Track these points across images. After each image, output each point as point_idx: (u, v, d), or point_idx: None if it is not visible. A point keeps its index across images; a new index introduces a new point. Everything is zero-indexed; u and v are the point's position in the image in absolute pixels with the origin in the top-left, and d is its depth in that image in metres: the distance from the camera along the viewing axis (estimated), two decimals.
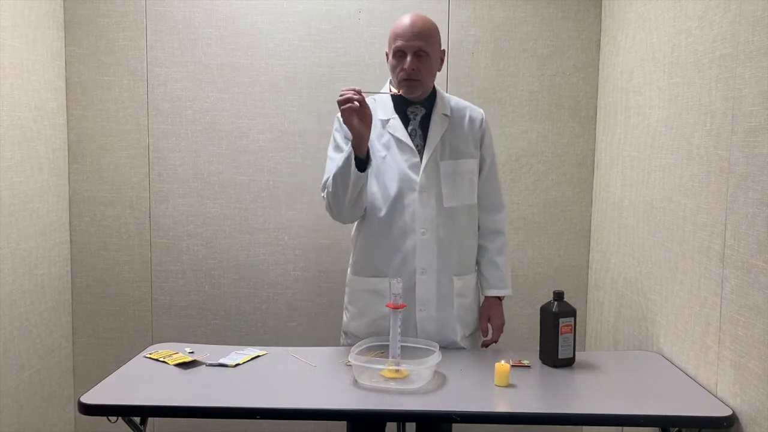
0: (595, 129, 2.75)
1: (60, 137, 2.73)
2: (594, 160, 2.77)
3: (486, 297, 2.13)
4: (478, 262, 2.14)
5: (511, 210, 2.77)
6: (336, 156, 1.99)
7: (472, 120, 2.06)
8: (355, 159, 1.86)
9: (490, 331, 2.14)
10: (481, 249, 2.13)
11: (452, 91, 2.69)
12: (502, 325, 2.14)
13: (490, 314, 2.13)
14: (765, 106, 1.49)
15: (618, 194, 2.47)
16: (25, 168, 2.48)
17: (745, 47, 1.58)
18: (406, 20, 1.94)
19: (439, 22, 2.67)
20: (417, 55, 1.92)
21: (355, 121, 1.82)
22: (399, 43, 1.92)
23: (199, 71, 2.74)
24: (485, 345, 2.16)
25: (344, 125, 1.93)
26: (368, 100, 2.01)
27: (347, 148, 1.90)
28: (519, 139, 2.75)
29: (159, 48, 2.73)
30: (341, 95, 1.82)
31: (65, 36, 2.74)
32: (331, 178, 1.93)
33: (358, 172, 1.87)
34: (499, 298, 2.14)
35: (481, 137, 2.07)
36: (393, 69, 1.97)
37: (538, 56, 2.72)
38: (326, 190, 1.97)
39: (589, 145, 2.76)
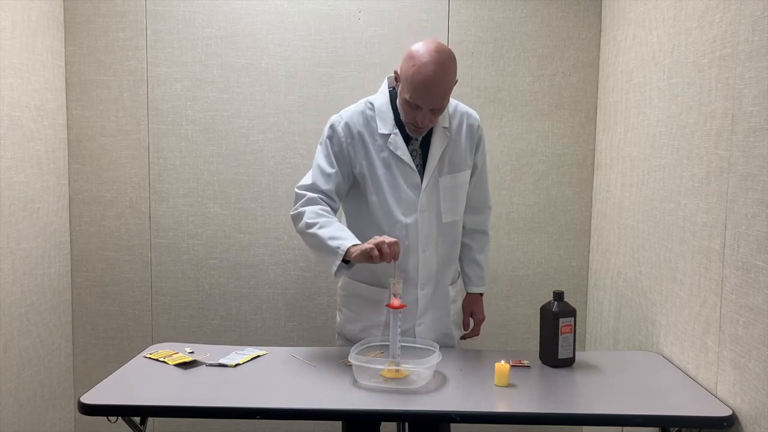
0: (595, 129, 2.75)
1: (60, 137, 2.73)
2: (594, 160, 2.77)
3: (468, 293, 2.20)
4: (460, 260, 2.16)
5: (511, 210, 2.78)
6: (325, 166, 1.95)
7: (470, 128, 2.03)
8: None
9: (471, 324, 2.22)
10: (464, 247, 2.15)
11: (453, 91, 2.68)
12: (483, 320, 2.22)
13: (472, 310, 2.21)
14: (765, 106, 1.49)
15: (618, 194, 2.47)
16: (25, 168, 2.48)
17: (745, 47, 1.58)
18: (427, 76, 1.78)
19: (439, 22, 2.69)
20: (432, 110, 1.85)
21: (363, 259, 1.75)
22: (416, 101, 1.82)
23: (199, 71, 2.74)
24: (464, 338, 2.21)
25: (341, 136, 1.93)
26: (366, 109, 1.98)
27: (342, 244, 1.79)
28: (519, 139, 2.75)
29: (159, 48, 2.73)
30: (385, 243, 1.72)
31: (65, 36, 2.74)
32: (310, 232, 1.86)
33: (332, 273, 1.83)
34: (480, 294, 2.21)
35: (477, 144, 2.05)
36: (403, 111, 1.89)
37: (538, 56, 2.72)
38: (299, 221, 1.90)
39: (589, 145, 2.76)
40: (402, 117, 1.92)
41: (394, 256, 1.74)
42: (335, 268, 1.81)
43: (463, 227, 2.13)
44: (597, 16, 2.71)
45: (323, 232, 1.84)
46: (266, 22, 2.72)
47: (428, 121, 1.87)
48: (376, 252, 1.72)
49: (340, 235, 1.83)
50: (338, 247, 1.79)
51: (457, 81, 1.89)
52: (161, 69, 2.74)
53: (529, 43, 2.72)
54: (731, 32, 1.66)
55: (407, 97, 1.83)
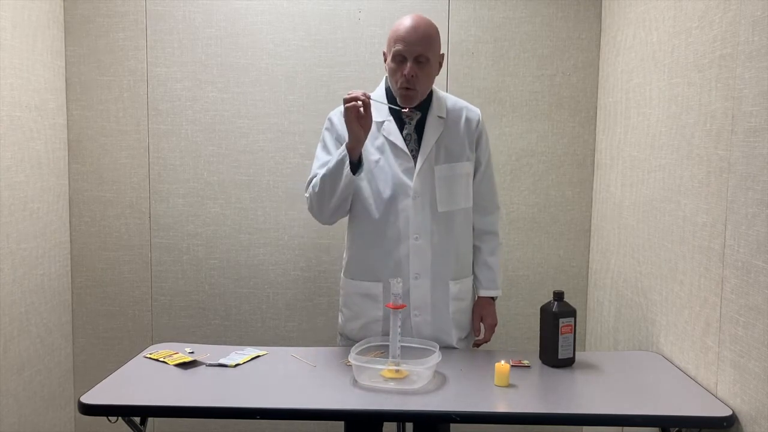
0: (595, 129, 2.75)
1: (60, 137, 2.73)
2: (594, 160, 2.77)
3: (479, 297, 2.15)
4: (472, 263, 2.14)
5: (511, 210, 2.78)
6: (324, 156, 1.99)
7: (468, 121, 2.04)
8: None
9: (482, 330, 2.15)
10: (474, 249, 2.13)
11: (452, 91, 2.69)
12: (495, 325, 2.15)
13: (483, 314, 2.14)
14: (765, 106, 1.50)
15: (618, 194, 2.47)
16: (25, 168, 2.48)
17: (745, 47, 1.58)
18: (407, 23, 1.89)
19: (439, 22, 2.68)
20: (417, 61, 1.89)
21: (355, 124, 1.81)
22: (399, 47, 1.88)
23: (199, 71, 2.74)
24: (477, 345, 2.16)
25: (337, 126, 1.97)
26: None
27: (340, 149, 1.88)
28: (519, 139, 2.75)
29: (159, 48, 2.73)
30: (349, 94, 1.81)
31: (65, 36, 2.74)
32: (319, 178, 1.92)
33: (350, 175, 1.87)
34: (492, 298, 2.15)
35: (477, 138, 2.05)
36: (391, 73, 1.94)
37: (538, 56, 2.72)
38: (311, 190, 1.96)
39: (589, 145, 2.76)
40: (392, 86, 1.96)
41: (364, 94, 1.80)
42: (347, 169, 1.86)
43: (473, 229, 2.11)
44: (597, 16, 2.71)
45: (326, 168, 1.91)
46: (266, 22, 2.72)
47: (414, 76, 1.89)
48: (348, 104, 1.79)
49: (337, 152, 1.91)
50: (340, 153, 1.87)
51: (443, 55, 1.98)
52: (161, 69, 2.74)
53: (529, 43, 2.72)
54: (731, 32, 1.66)
55: (393, 50, 1.90)
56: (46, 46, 2.61)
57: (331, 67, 2.73)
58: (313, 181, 1.95)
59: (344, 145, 1.87)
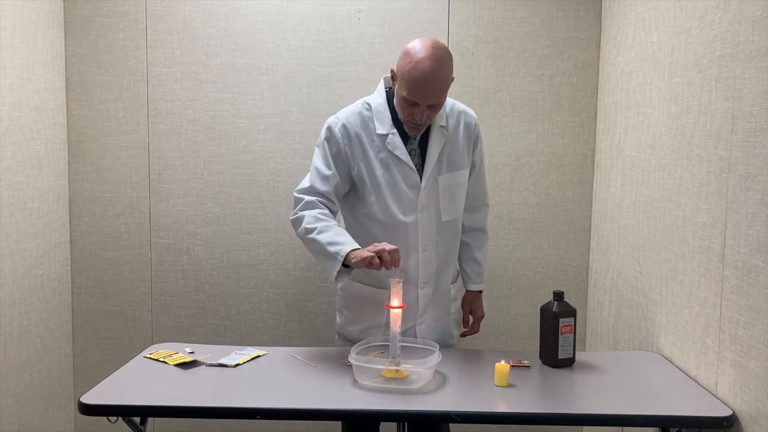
0: (595, 129, 2.75)
1: (60, 137, 2.73)
2: (594, 160, 2.77)
3: (467, 291, 2.20)
4: (459, 258, 2.17)
5: (511, 210, 2.78)
6: (323, 169, 1.94)
7: (467, 126, 2.03)
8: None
9: (470, 321, 2.22)
10: (462, 245, 2.16)
11: (452, 91, 2.67)
12: (483, 317, 2.22)
13: (472, 307, 2.21)
14: (765, 106, 1.50)
15: (618, 194, 2.47)
16: (25, 168, 2.48)
17: (745, 47, 1.58)
18: (425, 71, 1.78)
19: (439, 22, 2.70)
20: (430, 106, 1.85)
21: (362, 266, 1.76)
22: (413, 97, 1.81)
23: (199, 71, 2.74)
24: (464, 335, 2.21)
25: (338, 138, 1.93)
26: (363, 110, 1.98)
27: (340, 246, 1.79)
28: (519, 139, 2.75)
29: (159, 48, 2.73)
30: (387, 253, 1.73)
31: (65, 36, 2.74)
32: (307, 235, 1.86)
33: (333, 278, 1.83)
34: (479, 292, 2.21)
35: (474, 143, 2.06)
36: (401, 107, 1.89)
37: (538, 56, 2.72)
38: (301, 228, 1.89)
39: (589, 145, 2.76)
40: (400, 115, 1.92)
41: (395, 263, 1.74)
42: (335, 274, 1.81)
43: (462, 225, 2.13)
44: (597, 16, 2.71)
45: (322, 237, 1.84)
46: (266, 22, 2.72)
47: (426, 118, 1.87)
48: (377, 260, 1.72)
49: (339, 240, 1.82)
50: (337, 253, 1.79)
51: (453, 78, 1.89)
52: (161, 69, 2.74)
53: (529, 43, 2.72)
54: (731, 32, 1.66)
55: (405, 94, 1.83)
56: (46, 46, 2.61)
57: (331, 67, 2.73)
58: (304, 223, 1.89)
59: (347, 249, 1.79)
